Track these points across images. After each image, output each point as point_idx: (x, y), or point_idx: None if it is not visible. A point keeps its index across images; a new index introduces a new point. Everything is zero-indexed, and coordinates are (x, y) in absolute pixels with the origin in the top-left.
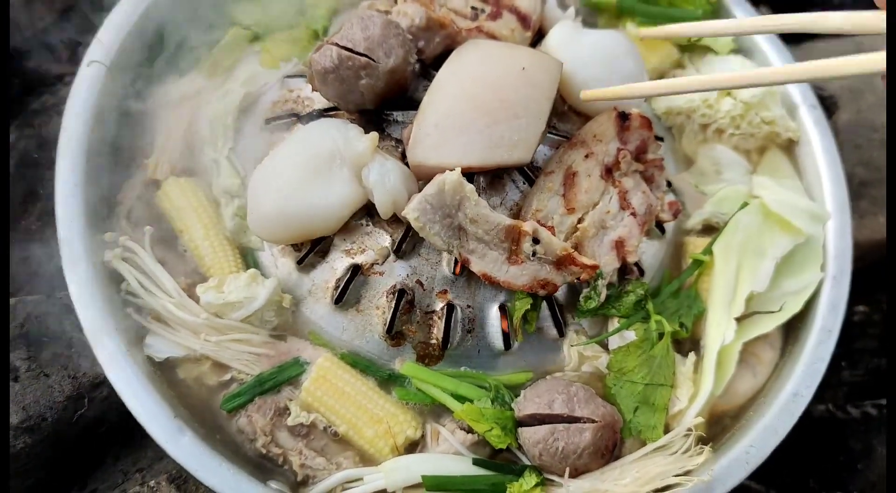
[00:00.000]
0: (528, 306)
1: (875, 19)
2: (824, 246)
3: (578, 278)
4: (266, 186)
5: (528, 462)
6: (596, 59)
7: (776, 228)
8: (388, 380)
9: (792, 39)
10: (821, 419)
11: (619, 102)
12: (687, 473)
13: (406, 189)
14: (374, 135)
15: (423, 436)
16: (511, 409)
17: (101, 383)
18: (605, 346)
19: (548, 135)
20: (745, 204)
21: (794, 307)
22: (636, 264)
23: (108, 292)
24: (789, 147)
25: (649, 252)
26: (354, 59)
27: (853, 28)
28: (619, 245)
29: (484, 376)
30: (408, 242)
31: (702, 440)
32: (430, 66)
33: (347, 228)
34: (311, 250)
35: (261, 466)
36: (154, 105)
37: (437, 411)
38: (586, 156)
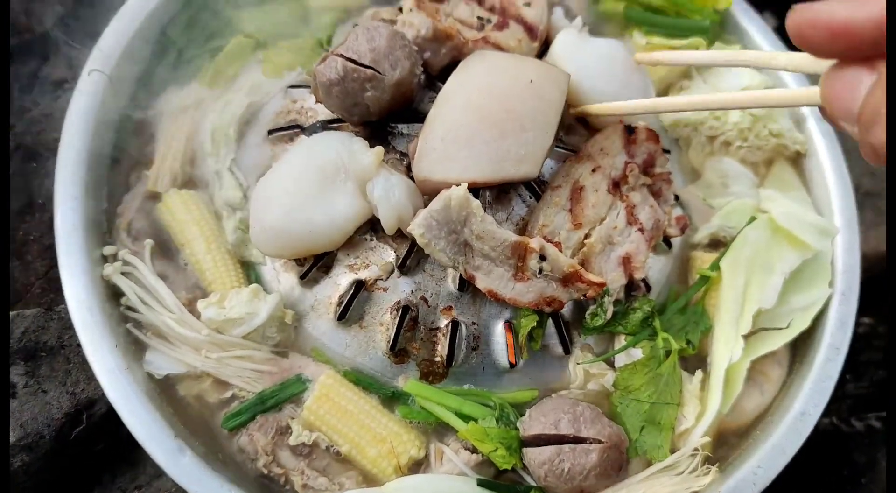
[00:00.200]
0: (534, 324)
1: (806, 60)
2: (832, 261)
3: (585, 295)
4: (268, 200)
5: (533, 483)
6: (602, 68)
7: (784, 243)
8: (392, 398)
9: None
10: (825, 432)
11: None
12: None
13: (411, 204)
14: (380, 149)
15: (426, 456)
16: (516, 428)
17: (100, 398)
18: (611, 363)
19: (555, 148)
20: (752, 218)
21: (801, 324)
22: (643, 279)
23: (108, 307)
24: (797, 160)
25: (656, 267)
26: (360, 71)
27: (794, 68)
28: (626, 261)
29: (489, 394)
30: (412, 258)
31: (708, 460)
32: (436, 77)
33: (351, 242)
34: (314, 265)
35: (262, 486)
36: (155, 115)
37: (441, 430)
38: (593, 170)
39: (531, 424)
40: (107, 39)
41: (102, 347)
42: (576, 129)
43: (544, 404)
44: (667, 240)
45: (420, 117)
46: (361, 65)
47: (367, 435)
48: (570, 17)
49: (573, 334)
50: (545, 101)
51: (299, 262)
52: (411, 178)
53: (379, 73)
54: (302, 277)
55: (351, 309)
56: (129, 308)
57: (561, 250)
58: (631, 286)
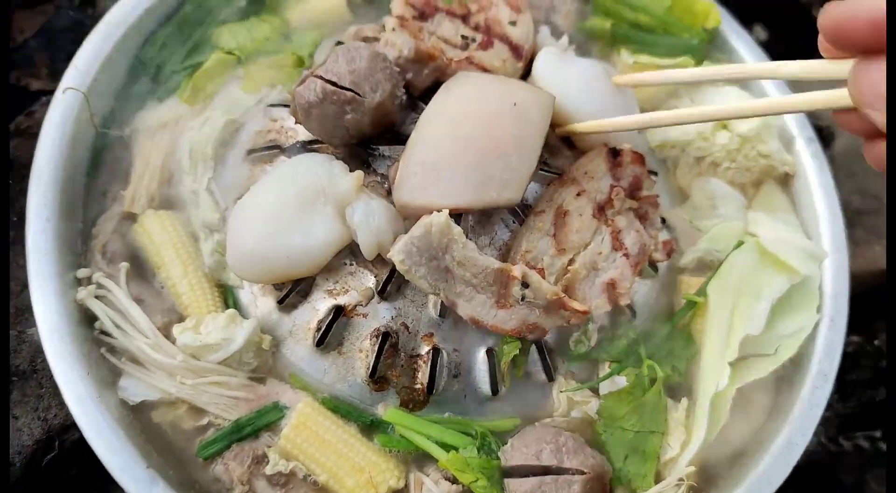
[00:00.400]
0: (517, 350)
1: (824, 66)
2: (820, 286)
3: (568, 322)
4: (246, 224)
5: None
6: (583, 87)
7: (772, 267)
8: (371, 426)
9: None
10: (813, 452)
11: (613, 134)
12: None
13: (391, 230)
14: (359, 174)
15: (406, 486)
16: (498, 458)
17: (73, 424)
18: (595, 391)
19: (539, 171)
20: (740, 243)
21: (789, 351)
22: (628, 305)
23: (81, 332)
24: (785, 181)
25: (641, 291)
26: (339, 93)
27: (807, 75)
28: (611, 287)
29: (470, 423)
30: (393, 284)
31: (693, 490)
32: (418, 98)
33: (330, 267)
34: (293, 290)
35: None
36: (132, 133)
37: (420, 459)
38: (578, 194)
39: (513, 454)
40: (83, 56)
41: (74, 375)
42: (560, 150)
43: (526, 434)
44: (653, 264)
45: (402, 139)
46: (341, 87)
47: (346, 465)
48: (557, 36)
49: (557, 360)
50: (529, 124)
51: (277, 286)
52: (392, 202)
53: (359, 95)
54: (280, 301)
55: (330, 335)
56: (103, 333)
57: (544, 277)
58: (616, 312)
